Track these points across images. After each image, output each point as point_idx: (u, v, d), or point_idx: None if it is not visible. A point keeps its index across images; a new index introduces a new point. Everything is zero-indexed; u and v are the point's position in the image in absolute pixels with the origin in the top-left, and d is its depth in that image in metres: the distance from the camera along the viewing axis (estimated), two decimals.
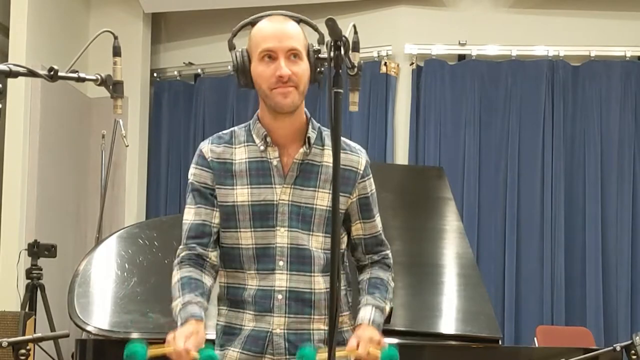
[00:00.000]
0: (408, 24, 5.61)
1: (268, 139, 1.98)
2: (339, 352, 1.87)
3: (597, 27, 5.48)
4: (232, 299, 2.02)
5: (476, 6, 5.62)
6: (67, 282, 3.07)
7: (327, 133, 2.05)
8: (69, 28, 5.59)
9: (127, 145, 5.31)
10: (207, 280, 2.00)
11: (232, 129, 2.08)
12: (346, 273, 2.12)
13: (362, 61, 1.78)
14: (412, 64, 5.53)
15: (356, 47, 1.75)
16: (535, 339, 4.44)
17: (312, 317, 1.99)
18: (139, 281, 3.11)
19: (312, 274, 1.98)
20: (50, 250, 4.34)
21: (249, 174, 1.99)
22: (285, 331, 1.97)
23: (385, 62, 5.50)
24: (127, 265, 3.20)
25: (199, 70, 6.01)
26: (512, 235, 5.29)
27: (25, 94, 5.02)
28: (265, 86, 1.93)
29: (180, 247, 2.04)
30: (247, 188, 1.98)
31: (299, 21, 1.98)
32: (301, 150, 1.99)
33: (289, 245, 1.97)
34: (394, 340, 2.86)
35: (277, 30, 1.92)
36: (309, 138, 1.99)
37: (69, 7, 5.67)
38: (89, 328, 2.79)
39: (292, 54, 1.90)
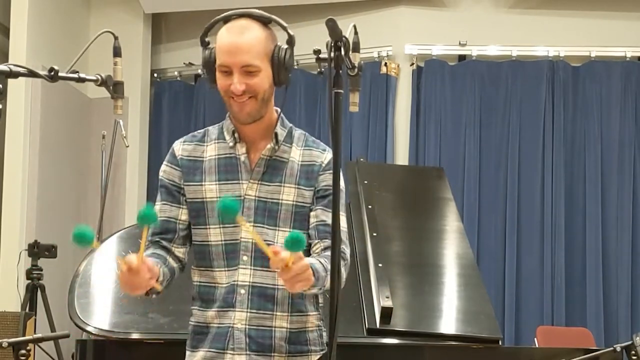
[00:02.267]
0: (408, 24, 5.61)
1: (236, 135, 2.00)
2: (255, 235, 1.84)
3: (598, 28, 5.48)
4: (204, 297, 2.03)
5: (476, 6, 5.62)
6: (67, 282, 3.06)
7: (300, 132, 2.07)
8: (70, 28, 5.59)
9: (128, 146, 5.30)
10: (172, 261, 2.02)
11: (206, 128, 2.11)
12: None
13: (362, 61, 1.78)
14: (413, 64, 5.53)
15: (356, 48, 1.75)
16: (535, 339, 4.44)
17: (275, 313, 1.98)
18: None
19: (277, 270, 1.95)
20: (50, 251, 4.34)
21: (217, 170, 2.01)
22: (247, 326, 1.96)
23: (386, 63, 5.50)
24: None
25: (200, 71, 6.00)
26: (512, 236, 5.29)
27: (26, 94, 5.03)
28: (223, 94, 1.96)
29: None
30: (216, 184, 2.00)
31: (268, 22, 1.95)
32: (268, 146, 2.00)
33: (253, 241, 1.96)
34: (394, 341, 2.86)
35: (232, 45, 1.90)
36: (276, 134, 2.00)
37: (69, 8, 5.67)
38: (89, 328, 2.78)
39: (246, 70, 1.90)
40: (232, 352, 1.97)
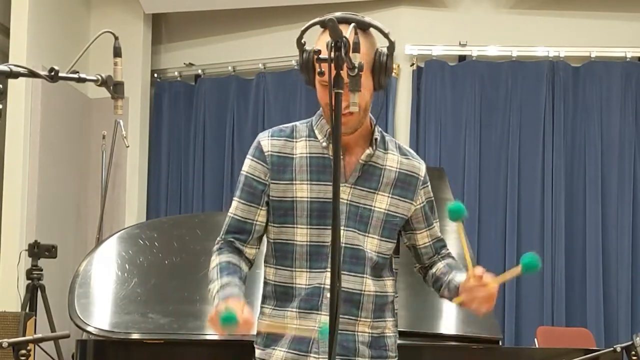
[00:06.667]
0: (408, 24, 5.61)
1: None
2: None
3: (598, 28, 5.48)
4: (280, 297, 2.01)
5: (477, 7, 5.62)
6: (67, 282, 3.06)
7: (389, 138, 2.08)
8: (70, 28, 5.59)
9: (128, 146, 5.31)
10: (245, 267, 2.01)
11: (293, 123, 2.07)
12: (394, 279, 2.11)
13: (362, 62, 1.78)
14: (413, 64, 5.53)
15: (356, 48, 1.74)
16: (535, 339, 4.44)
17: (359, 319, 1.99)
18: (139, 282, 3.11)
19: (364, 275, 1.97)
20: (50, 251, 4.34)
21: (309, 169, 1.98)
22: None
23: None
24: (127, 266, 3.20)
25: (200, 71, 6.01)
26: (512, 236, 5.29)
27: (26, 94, 5.03)
28: (323, 106, 1.95)
29: (219, 238, 2.05)
30: (307, 184, 1.97)
31: (367, 28, 1.92)
32: (367, 151, 1.98)
33: (343, 245, 1.95)
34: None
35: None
36: (376, 140, 1.99)
37: (69, 8, 5.67)
38: (89, 328, 2.78)
39: None
40: (315, 355, 1.96)
